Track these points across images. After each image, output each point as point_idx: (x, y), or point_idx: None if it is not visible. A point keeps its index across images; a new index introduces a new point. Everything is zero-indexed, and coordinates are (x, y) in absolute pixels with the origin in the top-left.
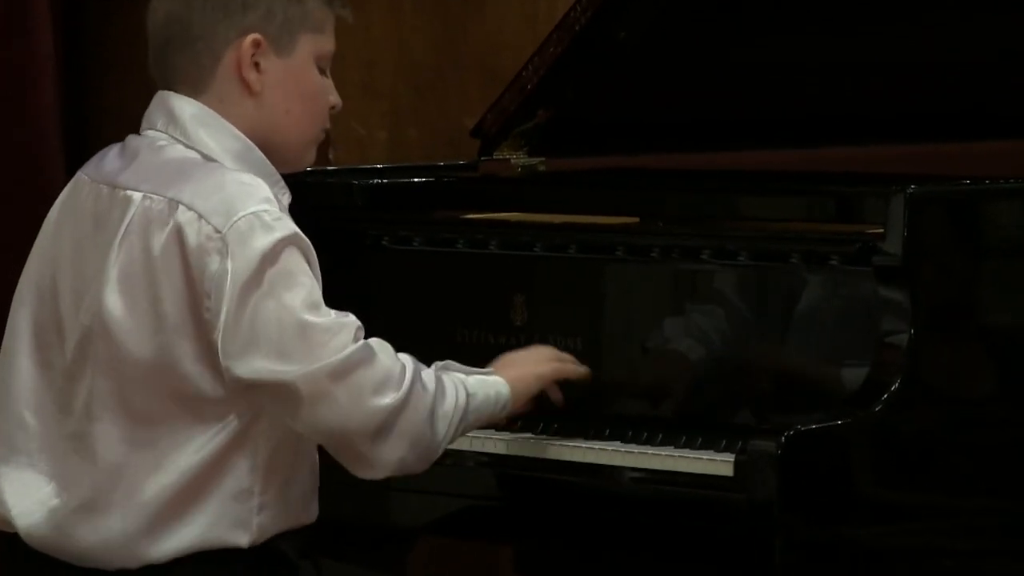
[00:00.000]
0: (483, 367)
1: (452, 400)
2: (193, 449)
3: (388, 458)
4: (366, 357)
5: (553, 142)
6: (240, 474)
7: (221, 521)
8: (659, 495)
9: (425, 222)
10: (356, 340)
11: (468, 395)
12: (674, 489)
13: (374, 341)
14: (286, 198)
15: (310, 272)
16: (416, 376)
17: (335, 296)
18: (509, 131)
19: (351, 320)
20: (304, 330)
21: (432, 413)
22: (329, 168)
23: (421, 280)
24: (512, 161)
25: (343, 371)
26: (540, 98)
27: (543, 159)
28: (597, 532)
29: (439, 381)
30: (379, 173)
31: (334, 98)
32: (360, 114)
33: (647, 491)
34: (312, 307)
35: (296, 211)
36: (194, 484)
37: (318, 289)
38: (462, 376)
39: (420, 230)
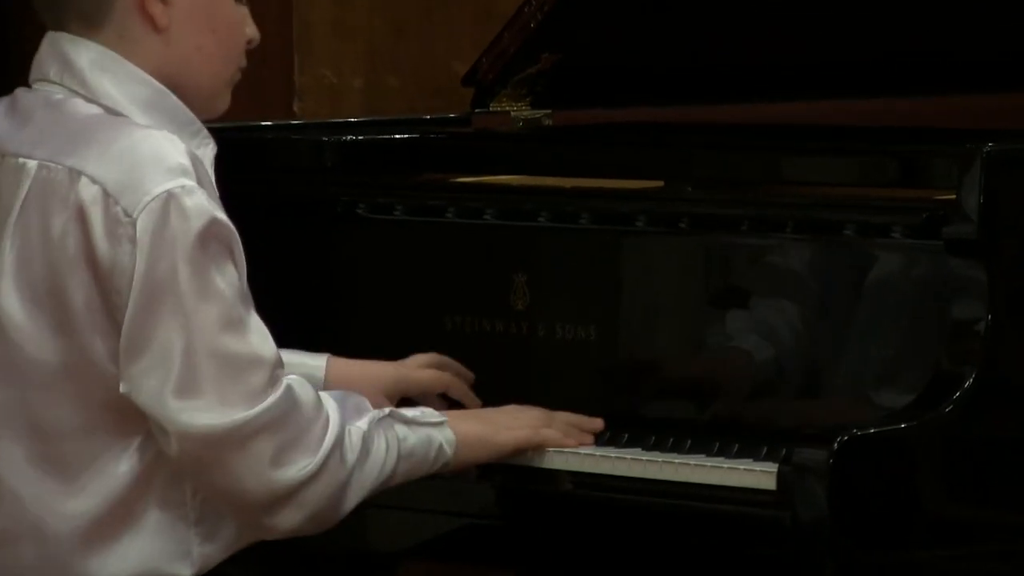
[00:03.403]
0: (476, 361)
1: (376, 467)
2: (113, 469)
3: (280, 527)
4: (279, 414)
5: (560, 91)
6: (173, 495)
7: (156, 551)
8: (687, 512)
9: (408, 187)
10: (272, 382)
11: (400, 457)
12: (705, 505)
13: (295, 383)
14: (210, 150)
15: (233, 272)
16: (338, 440)
17: (301, 278)
18: (508, 78)
19: (269, 354)
20: (213, 359)
21: (346, 484)
22: (294, 122)
23: (404, 257)
24: (512, 114)
25: (245, 434)
26: (545, 39)
27: (548, 111)
28: (612, 555)
29: (366, 443)
30: (353, 128)
31: (251, 31)
32: (330, 57)
33: (673, 507)
34: (229, 327)
35: (252, 175)
36: (118, 509)
37: (239, 292)
38: (403, 432)
39: (402, 197)
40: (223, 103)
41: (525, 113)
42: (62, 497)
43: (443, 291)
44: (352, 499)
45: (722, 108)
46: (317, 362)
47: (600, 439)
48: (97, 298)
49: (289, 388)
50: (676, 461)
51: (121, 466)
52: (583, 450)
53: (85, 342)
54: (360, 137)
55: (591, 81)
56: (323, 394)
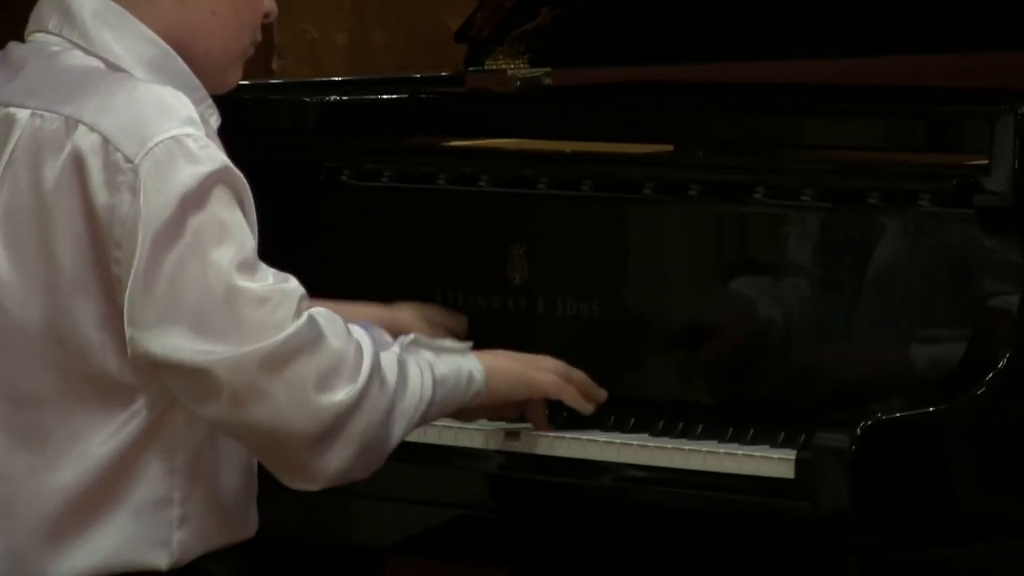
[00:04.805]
0: (471, 339)
1: (416, 392)
2: (95, 444)
3: (330, 468)
4: (311, 339)
5: (561, 48)
6: (155, 477)
7: (132, 537)
8: (698, 502)
9: (397, 152)
10: (299, 314)
11: (435, 383)
12: (718, 495)
13: (321, 314)
14: (214, 120)
15: (243, 219)
16: (375, 365)
17: (281, 248)
18: (505, 34)
19: (292, 287)
20: (233, 298)
21: (390, 412)
22: (273, 81)
23: (392, 227)
24: (509, 73)
25: (281, 358)
26: None
27: (548, 70)
28: (617, 550)
29: (402, 368)
30: (337, 88)
31: (269, 3)
32: (313, 11)
33: (682, 497)
34: (245, 267)
35: (229, 137)
36: (96, 490)
37: (253, 242)
38: (431, 357)
39: (390, 162)
40: (233, 77)
41: (523, 71)
42: (40, 472)
43: (435, 264)
44: (397, 430)
45: (736, 66)
46: None
47: (605, 424)
48: (90, 255)
49: (312, 317)
50: (686, 448)
51: (102, 443)
52: (585, 435)
53: (71, 304)
54: (345, 97)
55: (593, 37)
56: (350, 325)
